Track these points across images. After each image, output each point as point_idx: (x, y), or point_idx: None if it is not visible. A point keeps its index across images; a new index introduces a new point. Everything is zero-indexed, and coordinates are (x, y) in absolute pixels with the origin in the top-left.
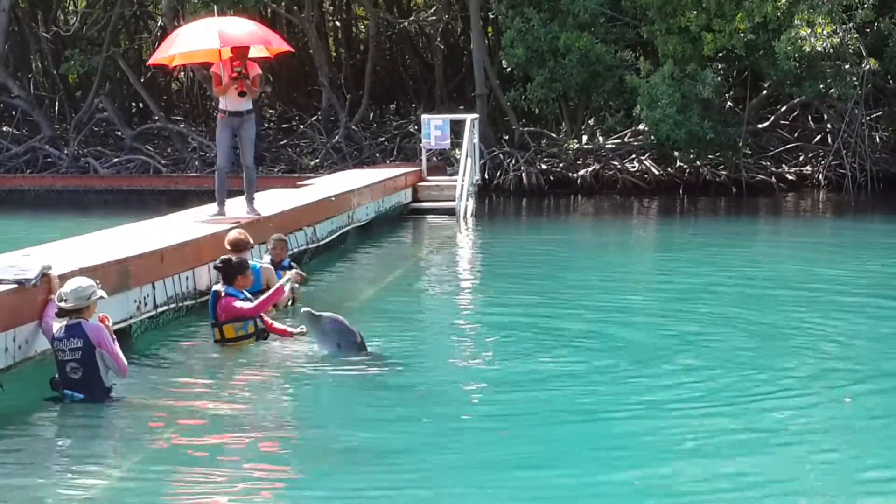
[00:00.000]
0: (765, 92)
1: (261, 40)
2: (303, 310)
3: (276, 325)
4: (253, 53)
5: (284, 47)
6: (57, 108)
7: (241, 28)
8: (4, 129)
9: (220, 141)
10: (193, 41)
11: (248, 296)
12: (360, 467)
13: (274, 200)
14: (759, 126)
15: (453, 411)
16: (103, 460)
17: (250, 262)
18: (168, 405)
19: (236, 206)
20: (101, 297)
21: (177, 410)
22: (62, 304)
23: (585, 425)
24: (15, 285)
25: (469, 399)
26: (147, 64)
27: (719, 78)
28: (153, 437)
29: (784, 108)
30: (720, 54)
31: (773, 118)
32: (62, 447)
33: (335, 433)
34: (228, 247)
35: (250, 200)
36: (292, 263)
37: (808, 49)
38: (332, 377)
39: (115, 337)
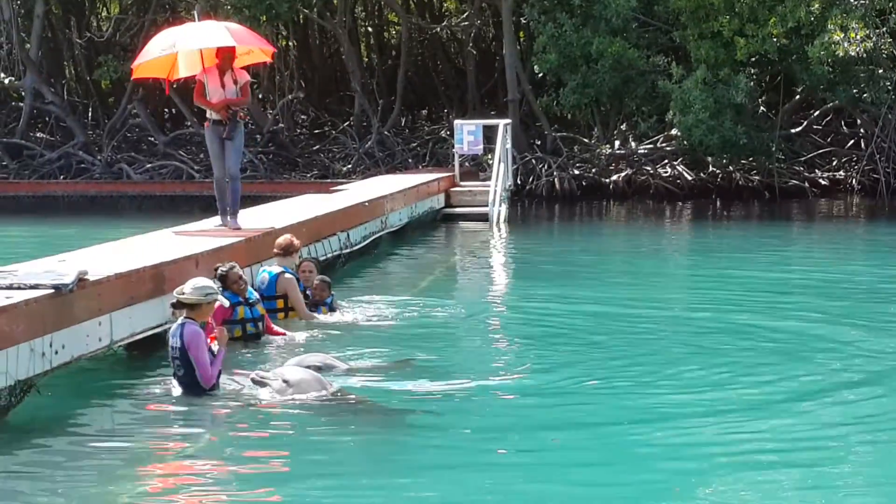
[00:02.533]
0: (798, 97)
1: (256, 42)
2: (251, 377)
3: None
4: (247, 60)
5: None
6: (90, 114)
7: (235, 28)
8: (38, 134)
9: (211, 151)
10: (198, 39)
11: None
12: (400, 477)
13: (307, 206)
14: (792, 131)
15: (489, 421)
16: (131, 468)
17: (270, 269)
18: (200, 412)
19: (240, 218)
20: (217, 301)
21: (206, 418)
22: (180, 297)
23: (623, 432)
24: (52, 290)
25: (505, 408)
26: (134, 78)
27: (752, 83)
28: (182, 446)
29: (817, 112)
30: (753, 59)
31: (805, 123)
32: (95, 452)
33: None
34: (276, 250)
35: (233, 214)
36: (337, 302)
37: (841, 54)
38: (364, 390)
39: (217, 348)
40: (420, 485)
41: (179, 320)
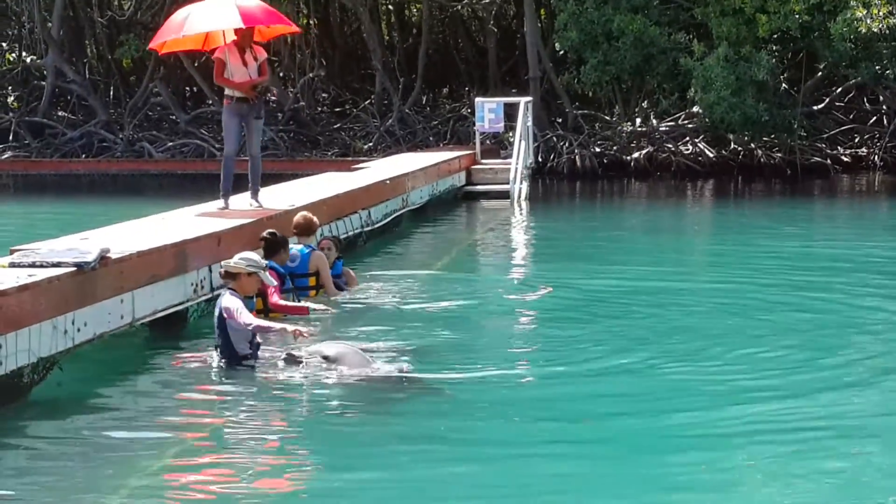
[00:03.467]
0: (820, 73)
1: (276, 19)
2: (283, 357)
3: (282, 303)
4: (270, 33)
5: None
6: (112, 92)
7: (253, 4)
8: (60, 113)
9: (227, 129)
10: (209, 21)
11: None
12: (423, 462)
13: (328, 184)
14: (815, 108)
15: (520, 402)
16: (153, 445)
17: (299, 246)
18: (219, 391)
19: (241, 201)
20: (257, 275)
21: (228, 397)
22: (225, 266)
23: (648, 414)
24: (74, 268)
25: (535, 388)
26: (149, 47)
27: (774, 60)
28: (202, 425)
29: (839, 89)
30: (775, 36)
31: (828, 100)
32: (117, 429)
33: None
34: (295, 229)
35: (255, 193)
36: (347, 270)
37: (863, 30)
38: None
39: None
40: (464, 469)
41: (224, 292)
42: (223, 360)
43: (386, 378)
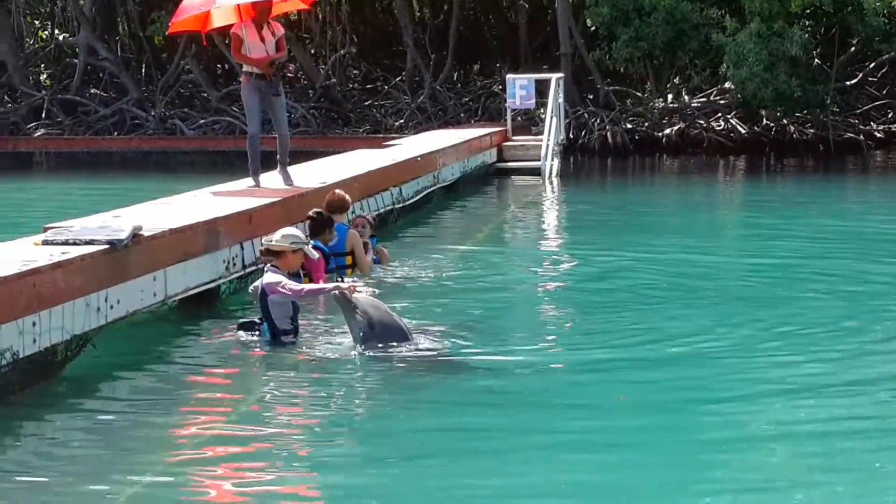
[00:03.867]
0: (853, 49)
1: None
2: (335, 292)
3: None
4: (284, 8)
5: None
6: (144, 70)
7: None
8: (92, 91)
9: (248, 107)
10: None
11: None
12: (451, 450)
13: (359, 161)
14: (847, 83)
15: (553, 383)
16: (187, 421)
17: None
18: (254, 368)
19: (272, 178)
20: (301, 251)
21: (262, 375)
22: (268, 245)
23: (683, 401)
24: (107, 246)
25: (569, 368)
26: (170, 32)
27: (807, 35)
28: (235, 402)
29: (872, 64)
30: (807, 11)
31: (861, 75)
32: (151, 406)
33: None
34: (328, 207)
35: (283, 165)
36: (381, 248)
37: None
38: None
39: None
40: (494, 460)
41: (266, 267)
42: (263, 337)
43: (421, 357)
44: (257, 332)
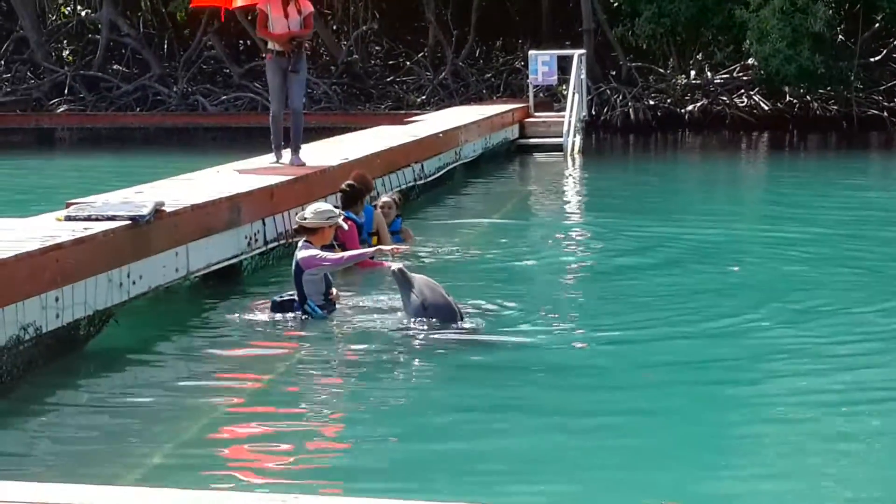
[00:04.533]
0: (877, 25)
1: None
2: (395, 267)
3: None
4: None
5: None
6: (166, 46)
7: None
8: (114, 67)
9: (271, 85)
10: None
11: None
12: (477, 429)
13: (381, 137)
14: (871, 60)
15: (582, 362)
16: (211, 397)
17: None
18: (271, 349)
19: (310, 152)
20: (338, 224)
21: (283, 354)
22: (302, 222)
23: (705, 380)
24: (129, 221)
25: (595, 348)
26: (193, 4)
27: (831, 11)
28: (256, 379)
29: None
30: None
31: (885, 51)
32: (174, 382)
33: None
34: (346, 188)
35: (296, 150)
36: (406, 229)
37: None
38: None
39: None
40: (520, 440)
41: (300, 243)
42: (297, 313)
43: (459, 338)
44: (296, 310)
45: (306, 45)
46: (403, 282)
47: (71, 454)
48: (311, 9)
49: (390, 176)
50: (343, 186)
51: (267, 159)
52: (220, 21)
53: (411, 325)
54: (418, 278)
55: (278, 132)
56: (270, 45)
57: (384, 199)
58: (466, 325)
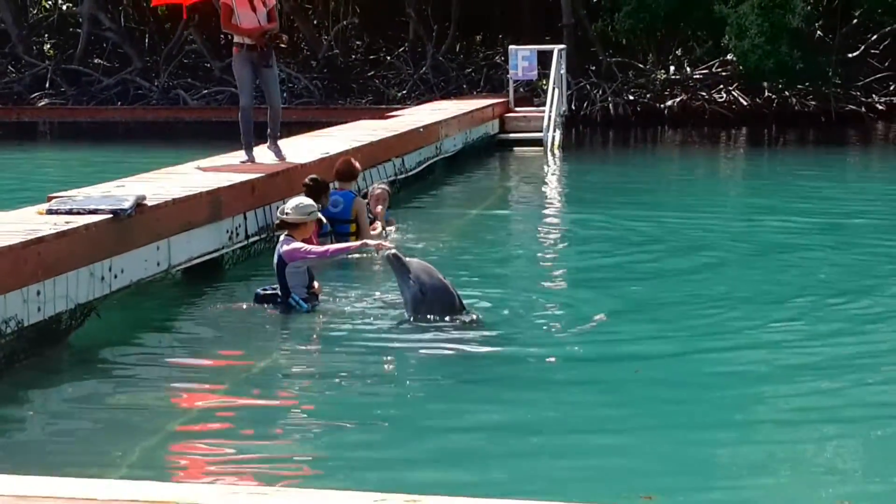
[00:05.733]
0: (855, 21)
1: None
2: (389, 253)
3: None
4: None
5: None
6: (147, 40)
7: None
8: (96, 61)
9: (241, 79)
10: None
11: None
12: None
13: (362, 131)
14: (850, 55)
15: (566, 354)
16: (189, 393)
17: (342, 190)
18: (253, 341)
19: (265, 153)
20: (318, 218)
21: (263, 347)
22: (284, 217)
23: (696, 364)
24: (110, 215)
25: (576, 342)
26: (154, 3)
27: (809, 7)
28: (237, 372)
29: (874, 36)
30: None
31: (863, 47)
32: (155, 375)
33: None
34: (336, 175)
35: (273, 140)
36: (391, 220)
37: None
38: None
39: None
40: (511, 441)
41: (281, 237)
42: (280, 307)
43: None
44: (279, 304)
45: (284, 37)
46: (399, 267)
47: (53, 447)
48: (275, 1)
49: (371, 171)
50: (306, 181)
51: (237, 157)
52: (200, 15)
53: (403, 318)
54: (414, 263)
55: (249, 129)
56: (238, 39)
57: (379, 188)
58: (465, 318)
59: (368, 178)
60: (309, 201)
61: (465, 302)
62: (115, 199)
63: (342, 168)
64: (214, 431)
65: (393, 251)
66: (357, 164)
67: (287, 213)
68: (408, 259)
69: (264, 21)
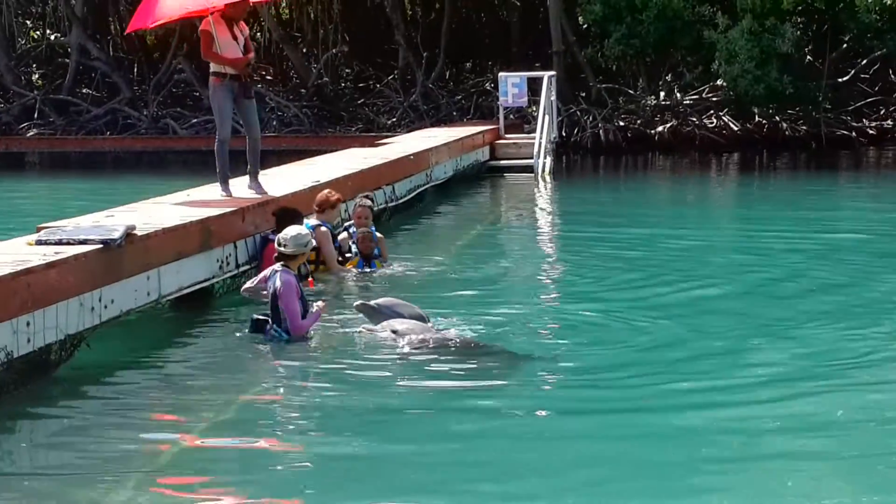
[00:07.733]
0: (845, 45)
1: None
2: (356, 304)
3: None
4: None
5: None
6: (136, 69)
7: None
8: (84, 91)
9: (221, 110)
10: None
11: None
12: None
13: (352, 159)
14: (839, 80)
15: (558, 372)
16: (182, 422)
17: (307, 221)
18: (243, 372)
19: (244, 190)
20: (314, 248)
21: (254, 376)
22: (282, 249)
23: (683, 390)
24: (100, 245)
25: (569, 364)
26: (127, 31)
27: (798, 32)
28: (227, 403)
29: (864, 61)
30: (799, 8)
31: (853, 72)
32: (145, 406)
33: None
34: (316, 206)
35: (254, 175)
36: (380, 238)
37: (888, 1)
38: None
39: (315, 310)
40: (503, 457)
41: (276, 266)
42: (275, 336)
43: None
44: (267, 331)
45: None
46: (372, 313)
47: (40, 479)
48: (248, 30)
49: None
50: (274, 211)
51: (214, 191)
52: (189, 44)
53: (390, 348)
54: (382, 302)
55: (226, 162)
56: (218, 69)
57: (360, 206)
58: (449, 342)
59: None
60: (305, 231)
61: (456, 327)
62: (105, 228)
63: (318, 199)
64: (203, 465)
65: (358, 301)
66: (334, 195)
67: (285, 246)
68: (375, 302)
69: (243, 50)
